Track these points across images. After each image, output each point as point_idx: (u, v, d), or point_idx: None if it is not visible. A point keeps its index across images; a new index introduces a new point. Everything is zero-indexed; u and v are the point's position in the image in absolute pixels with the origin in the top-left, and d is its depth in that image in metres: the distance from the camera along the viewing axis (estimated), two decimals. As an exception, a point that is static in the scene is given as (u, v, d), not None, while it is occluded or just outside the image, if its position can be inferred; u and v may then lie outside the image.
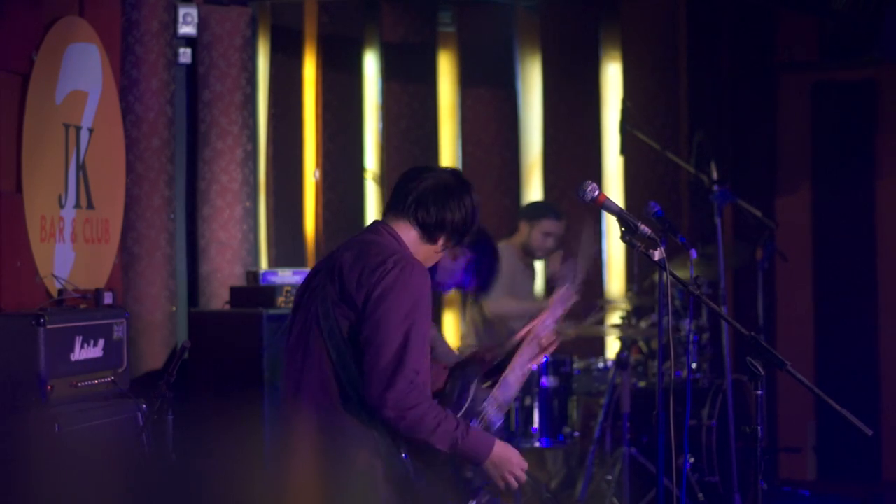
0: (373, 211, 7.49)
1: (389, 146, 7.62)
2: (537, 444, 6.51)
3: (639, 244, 3.80)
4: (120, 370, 5.04)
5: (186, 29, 6.42)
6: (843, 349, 7.86)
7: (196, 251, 6.57)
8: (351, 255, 3.69)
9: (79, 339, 4.82)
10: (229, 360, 5.90)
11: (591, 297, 7.61)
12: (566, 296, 4.01)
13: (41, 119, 5.23)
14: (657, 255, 3.75)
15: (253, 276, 6.16)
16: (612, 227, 7.54)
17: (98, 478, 3.21)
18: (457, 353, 5.04)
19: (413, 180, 3.82)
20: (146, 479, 3.27)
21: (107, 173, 5.74)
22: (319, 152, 7.38)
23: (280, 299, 5.99)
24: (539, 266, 7.43)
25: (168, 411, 4.46)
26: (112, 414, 4.82)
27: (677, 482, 4.00)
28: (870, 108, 7.90)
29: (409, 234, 3.78)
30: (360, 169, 7.53)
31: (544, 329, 3.95)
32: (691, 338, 6.57)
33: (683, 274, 4.83)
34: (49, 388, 4.61)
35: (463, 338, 7.06)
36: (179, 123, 6.43)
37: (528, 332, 3.96)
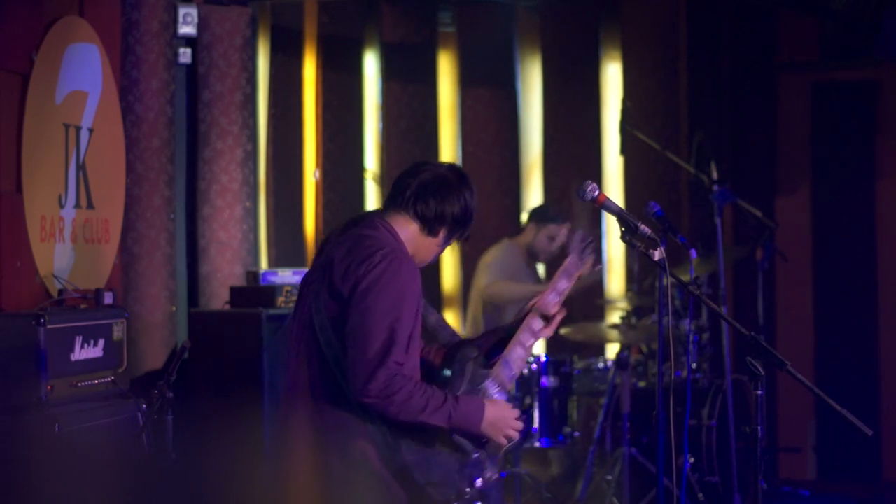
0: (373, 211, 7.49)
1: (389, 146, 7.62)
2: (537, 444, 6.51)
3: (639, 244, 3.80)
4: (120, 370, 5.04)
5: (186, 29, 6.42)
6: (843, 349, 7.86)
7: (196, 251, 6.57)
8: (343, 250, 3.70)
9: (79, 339, 4.81)
10: (229, 360, 5.90)
11: (591, 297, 7.63)
12: (572, 267, 3.99)
13: (41, 119, 5.23)
14: (657, 255, 3.75)
15: (253, 276, 6.15)
16: (612, 227, 7.54)
17: (98, 478, 3.21)
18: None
19: (412, 175, 3.83)
20: (146, 479, 3.27)
21: (107, 173, 5.74)
22: (319, 152, 7.38)
23: (280, 299, 5.99)
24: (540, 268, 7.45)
25: (168, 411, 4.45)
26: (112, 414, 4.82)
27: (677, 482, 3.99)
28: (870, 108, 7.90)
29: (409, 227, 3.79)
30: (360, 169, 7.53)
31: (548, 302, 3.93)
32: (691, 338, 6.57)
33: (683, 274, 4.83)
34: (49, 388, 4.60)
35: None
36: (179, 123, 6.43)
37: (532, 305, 3.95)
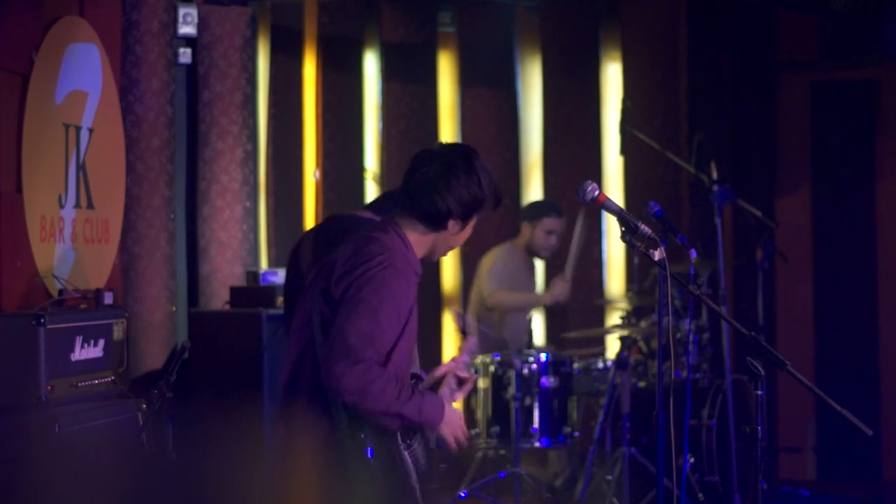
0: (373, 211, 7.49)
1: (389, 146, 7.62)
2: (537, 444, 6.51)
3: (639, 244, 3.80)
4: (120, 370, 5.04)
5: (186, 29, 6.42)
6: (843, 349, 7.86)
7: (196, 251, 6.58)
8: (349, 250, 3.70)
9: (79, 339, 4.82)
10: (229, 360, 5.91)
11: (592, 297, 7.63)
12: (470, 349, 4.01)
13: (41, 119, 5.23)
14: (657, 255, 3.75)
15: (253, 276, 6.15)
16: (612, 227, 7.54)
17: (98, 478, 3.21)
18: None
19: (411, 172, 3.81)
20: (146, 479, 3.27)
21: (107, 173, 5.74)
22: (319, 152, 7.38)
23: (280, 299, 5.98)
24: (539, 265, 7.45)
25: (168, 411, 4.46)
26: (112, 414, 4.82)
27: (677, 482, 4.00)
28: (870, 108, 7.89)
29: (416, 228, 3.77)
30: (360, 169, 7.53)
31: (458, 367, 3.93)
32: (691, 338, 6.57)
33: (683, 274, 4.83)
34: (49, 388, 4.61)
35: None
36: (179, 123, 6.43)
37: (446, 372, 3.92)
